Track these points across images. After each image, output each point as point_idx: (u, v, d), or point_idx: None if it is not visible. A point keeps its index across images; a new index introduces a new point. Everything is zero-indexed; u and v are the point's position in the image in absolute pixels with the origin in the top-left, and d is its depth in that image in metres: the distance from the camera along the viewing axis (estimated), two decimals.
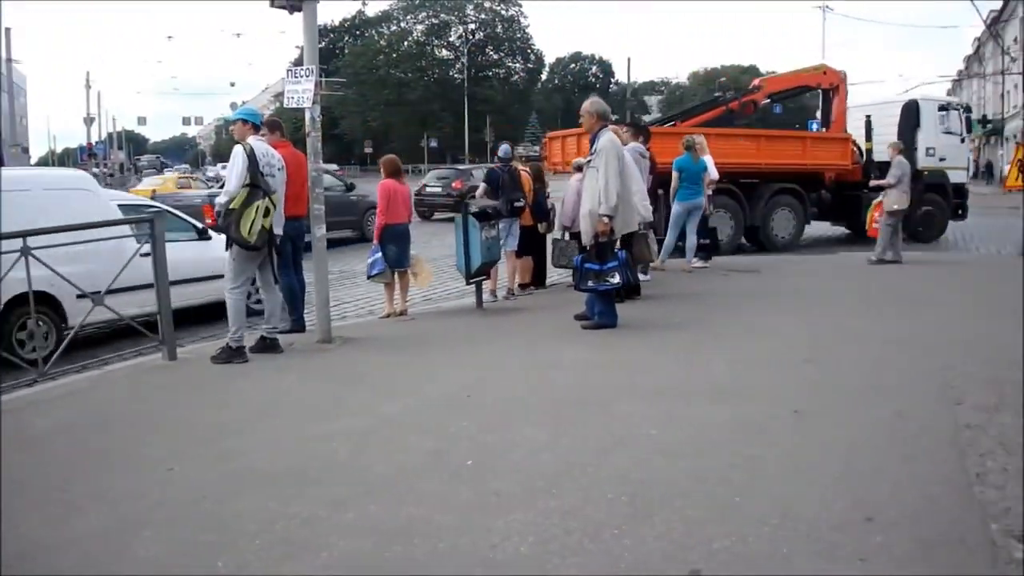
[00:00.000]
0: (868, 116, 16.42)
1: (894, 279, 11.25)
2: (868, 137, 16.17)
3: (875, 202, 13.01)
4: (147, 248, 7.05)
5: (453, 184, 25.40)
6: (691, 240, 11.99)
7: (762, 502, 3.63)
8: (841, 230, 18.20)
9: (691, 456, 4.26)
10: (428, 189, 26.08)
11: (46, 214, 7.27)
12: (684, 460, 4.20)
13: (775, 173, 15.20)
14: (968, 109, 16.28)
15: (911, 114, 16.58)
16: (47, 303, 7.58)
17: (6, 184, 8.05)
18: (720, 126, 16.17)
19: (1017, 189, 13.63)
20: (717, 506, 3.60)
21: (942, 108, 17.01)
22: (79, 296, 7.12)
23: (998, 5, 49.86)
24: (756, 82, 18.36)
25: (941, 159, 16.57)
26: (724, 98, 17.81)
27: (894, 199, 12.41)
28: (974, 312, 8.64)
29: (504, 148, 10.37)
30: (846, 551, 3.16)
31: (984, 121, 47.42)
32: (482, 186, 9.79)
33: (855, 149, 16.37)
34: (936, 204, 16.59)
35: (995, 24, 47.22)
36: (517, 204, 9.65)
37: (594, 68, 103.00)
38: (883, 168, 15.54)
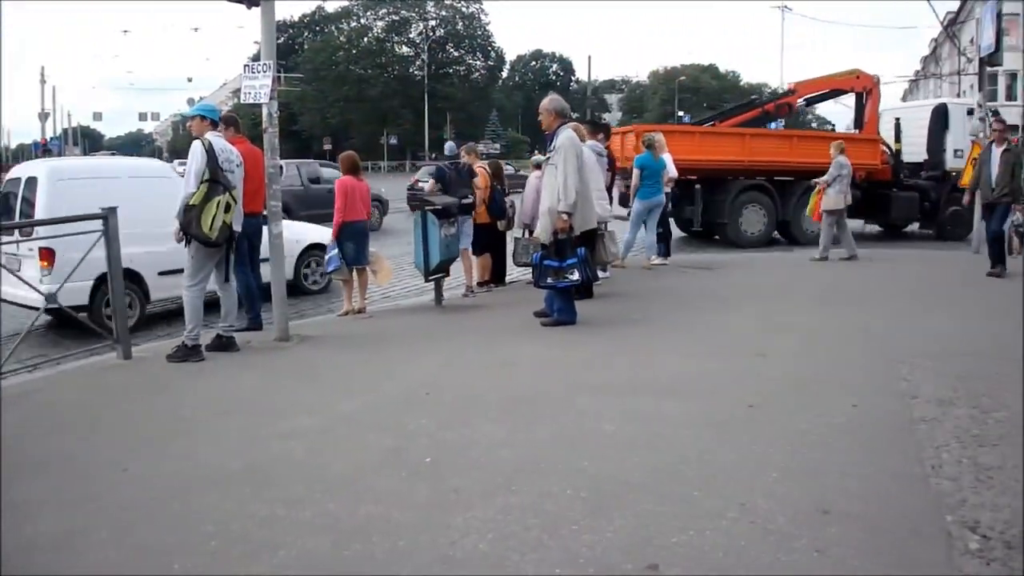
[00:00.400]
0: (897, 119, 17.28)
1: (846, 274, 11.44)
2: (897, 139, 16.99)
3: (814, 193, 13.33)
4: None
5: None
6: (650, 238, 12.09)
7: (719, 496, 3.66)
8: (873, 227, 18.73)
9: (648, 451, 4.29)
10: (421, 184, 26.00)
11: (134, 200, 8.02)
12: (641, 455, 4.22)
13: (807, 171, 15.69)
14: (996, 113, 16.72)
15: (940, 117, 17.29)
16: (132, 279, 8.42)
17: (97, 172, 9.55)
18: (754, 126, 17.34)
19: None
20: (674, 501, 3.63)
21: (971, 112, 17.44)
22: (160, 273, 8.19)
23: (955, 6, 50.86)
24: (791, 85, 19.01)
25: None
26: (760, 100, 19.04)
27: (831, 199, 12.79)
28: (924, 306, 8.81)
29: (449, 145, 10.38)
30: (802, 543, 3.20)
31: None
32: (431, 182, 9.74)
33: (885, 150, 16.95)
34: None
35: (952, 25, 48.06)
36: (465, 201, 9.61)
37: (554, 66, 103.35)
38: (912, 169, 16.28)
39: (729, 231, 16.10)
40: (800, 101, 18.33)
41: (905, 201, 16.91)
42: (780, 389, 5.46)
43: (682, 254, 14.34)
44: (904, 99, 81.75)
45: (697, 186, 15.61)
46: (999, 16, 14.77)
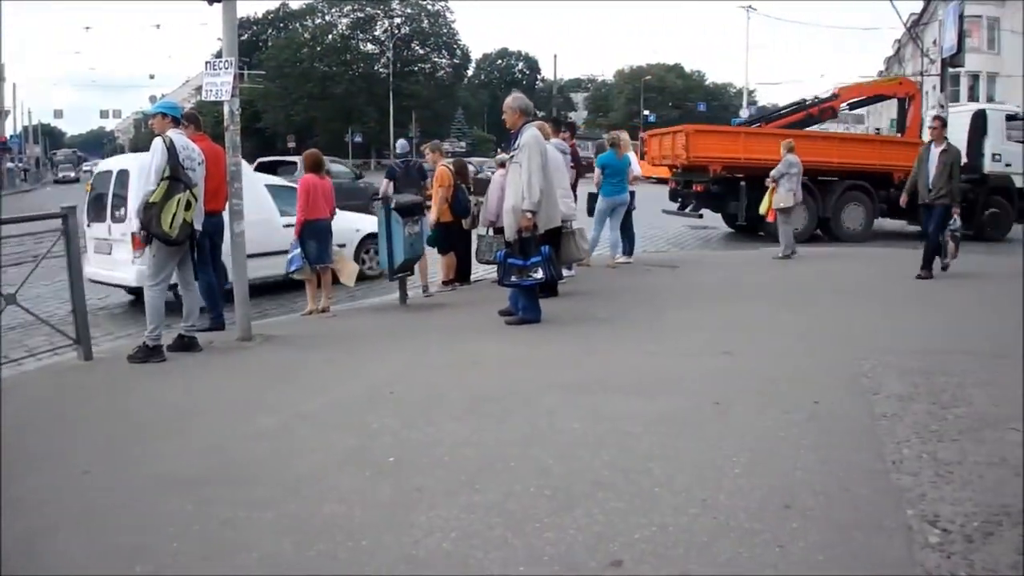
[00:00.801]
0: None
1: (806, 272, 11.57)
2: None
3: (768, 192, 13.54)
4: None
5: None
6: (614, 236, 12.13)
7: (682, 492, 3.68)
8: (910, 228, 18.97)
9: (612, 448, 4.30)
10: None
11: None
12: (605, 452, 4.23)
13: (848, 171, 16.53)
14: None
15: (979, 122, 17.68)
16: None
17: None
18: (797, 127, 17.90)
19: None
20: (638, 497, 3.64)
21: (1009, 117, 18.08)
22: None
23: (918, 7, 51.65)
24: (835, 90, 19.64)
25: (1007, 164, 17.61)
26: (806, 104, 19.29)
27: (780, 196, 13.05)
28: (884, 303, 8.93)
29: (401, 143, 10.34)
30: (764, 538, 3.22)
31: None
32: (385, 182, 9.68)
33: None
34: (1002, 206, 17.80)
35: (915, 26, 48.83)
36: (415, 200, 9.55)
37: (520, 64, 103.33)
38: None
39: (770, 226, 16.27)
40: (843, 105, 19.09)
41: None
42: (745, 387, 5.49)
43: (645, 253, 14.37)
44: None
45: (742, 183, 16.23)
46: (961, 18, 15.07)
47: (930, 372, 5.72)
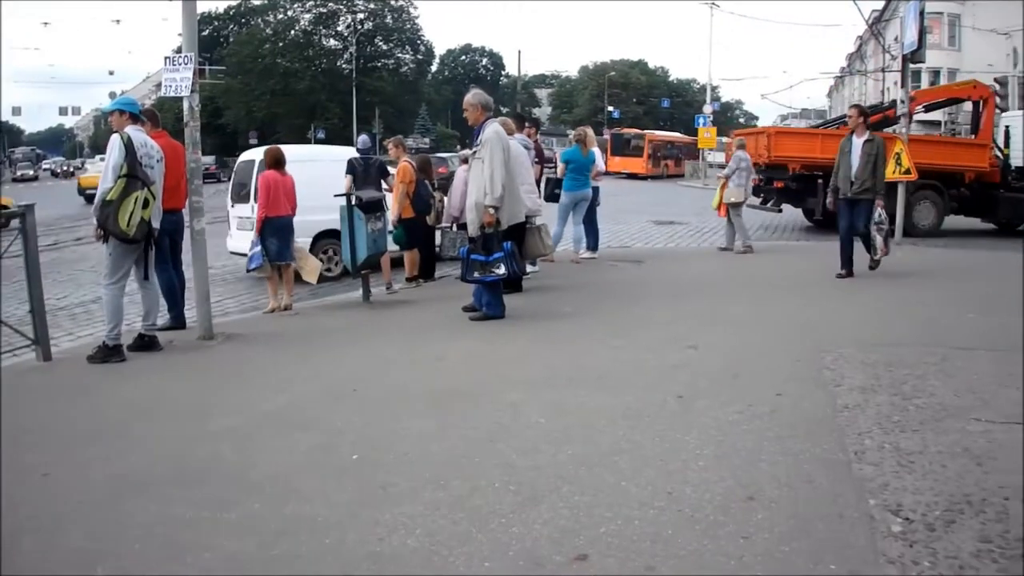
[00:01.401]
0: (1007, 126, 18.32)
1: (766, 266, 11.67)
2: (1006, 144, 18.09)
3: (719, 187, 13.73)
4: None
5: (438, 169, 25.27)
6: (577, 231, 12.16)
7: (647, 486, 3.68)
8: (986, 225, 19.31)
9: (577, 443, 4.30)
10: None
11: (334, 177, 9.73)
12: (570, 447, 4.23)
13: (920, 171, 16.61)
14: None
15: None
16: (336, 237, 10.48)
17: (307, 157, 12.36)
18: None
19: (896, 180, 14.63)
20: (603, 491, 3.64)
21: None
22: None
23: (880, 5, 52.36)
24: (912, 93, 19.82)
25: None
26: (883, 106, 19.88)
27: (732, 191, 13.30)
28: (844, 296, 9.03)
29: (362, 139, 10.24)
30: (728, 530, 3.24)
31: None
32: (348, 178, 9.60)
33: (996, 155, 18.01)
34: None
35: (877, 23, 49.49)
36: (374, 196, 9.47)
37: (485, 60, 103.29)
38: (1020, 172, 17.56)
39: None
40: (919, 108, 19.27)
41: (1012, 202, 17.77)
42: (709, 380, 5.51)
43: (609, 248, 14.41)
44: (829, 95, 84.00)
45: (819, 181, 16.49)
46: (922, 14, 15.29)
47: (891, 364, 5.78)
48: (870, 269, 10.30)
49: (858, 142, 10.14)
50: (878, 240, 10.23)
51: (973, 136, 18.74)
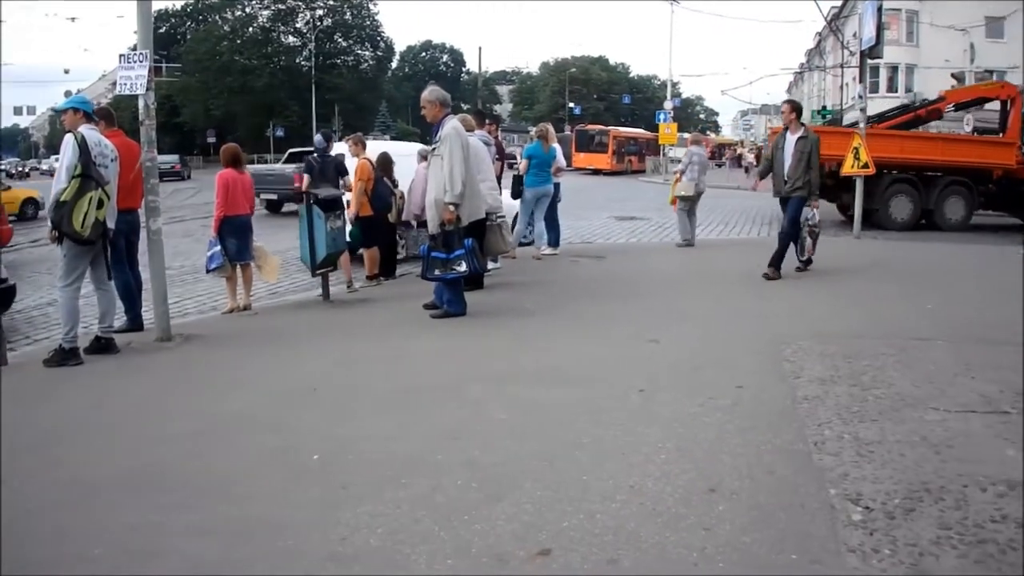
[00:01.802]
0: None
1: (726, 260, 11.80)
2: None
3: (672, 182, 13.90)
4: None
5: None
6: (539, 226, 12.17)
7: (608, 479, 3.69)
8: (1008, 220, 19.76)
9: (540, 438, 4.29)
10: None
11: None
12: (533, 442, 4.22)
13: (950, 168, 17.82)
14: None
15: None
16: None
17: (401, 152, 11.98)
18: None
19: (853, 175, 14.85)
20: (565, 486, 3.63)
21: None
22: None
23: (839, 2, 52.99)
24: (941, 93, 21.13)
25: None
26: (914, 106, 20.86)
27: (684, 186, 13.51)
28: (802, 290, 9.13)
29: (318, 138, 10.15)
30: (690, 522, 3.25)
31: (823, 112, 50.56)
32: (306, 177, 9.51)
33: (1022, 151, 18.38)
34: None
35: (836, 19, 50.08)
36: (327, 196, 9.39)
37: (445, 57, 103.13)
38: None
39: (880, 216, 17.67)
40: (949, 107, 19.83)
41: None
42: (670, 374, 5.55)
43: (570, 244, 14.45)
44: (789, 91, 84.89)
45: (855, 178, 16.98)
46: (879, 11, 15.51)
47: (850, 356, 5.85)
48: (796, 271, 10.19)
49: (791, 139, 9.84)
50: (807, 241, 10.12)
51: (1001, 135, 19.20)
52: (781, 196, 10.04)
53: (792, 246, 10.06)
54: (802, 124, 10.13)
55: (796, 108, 10.35)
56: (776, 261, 9.85)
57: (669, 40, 62.72)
